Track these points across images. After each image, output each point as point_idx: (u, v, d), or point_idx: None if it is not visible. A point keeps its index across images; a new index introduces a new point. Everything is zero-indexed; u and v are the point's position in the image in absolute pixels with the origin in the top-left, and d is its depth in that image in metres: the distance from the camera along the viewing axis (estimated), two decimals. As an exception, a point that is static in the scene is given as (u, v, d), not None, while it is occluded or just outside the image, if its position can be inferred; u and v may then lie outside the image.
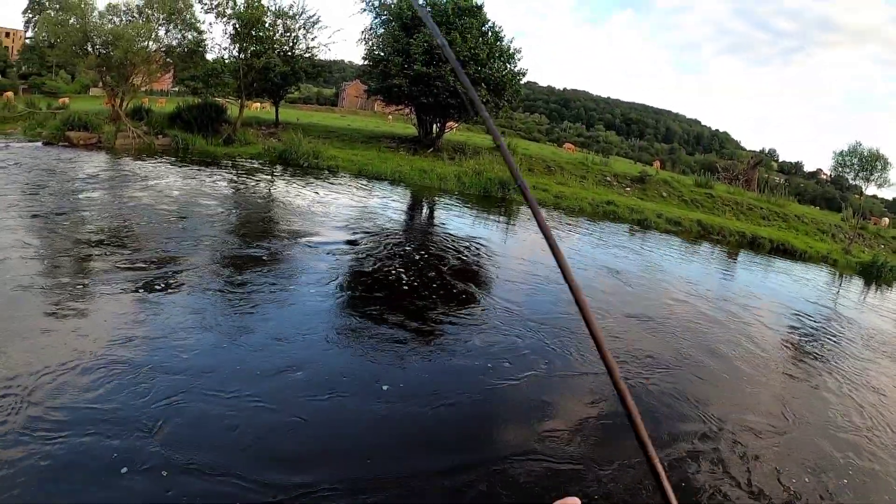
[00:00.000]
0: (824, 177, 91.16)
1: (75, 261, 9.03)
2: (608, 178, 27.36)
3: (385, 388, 5.81)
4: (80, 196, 14.63)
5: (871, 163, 25.87)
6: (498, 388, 6.21)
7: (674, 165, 48.56)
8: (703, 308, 10.88)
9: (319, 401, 5.48)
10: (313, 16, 29.52)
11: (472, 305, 8.82)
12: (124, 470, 4.18)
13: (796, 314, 12.38)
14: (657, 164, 45.49)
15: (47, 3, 32.20)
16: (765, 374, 8.15)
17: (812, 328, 11.65)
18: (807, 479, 5.50)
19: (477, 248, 12.71)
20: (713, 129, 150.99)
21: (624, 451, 5.29)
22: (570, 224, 18.12)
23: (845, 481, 5.60)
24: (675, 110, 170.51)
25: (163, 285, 8.03)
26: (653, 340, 8.43)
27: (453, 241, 13.13)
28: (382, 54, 27.60)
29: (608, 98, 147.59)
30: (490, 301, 9.09)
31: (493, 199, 20.25)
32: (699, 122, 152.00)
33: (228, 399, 5.24)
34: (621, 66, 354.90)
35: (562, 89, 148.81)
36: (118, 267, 8.70)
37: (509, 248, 13.36)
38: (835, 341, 11.06)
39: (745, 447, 5.87)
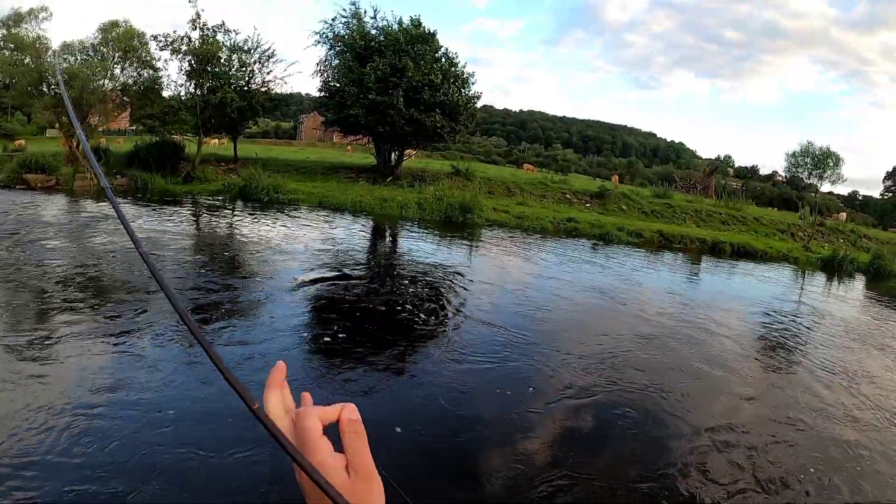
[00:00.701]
0: (780, 178, 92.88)
1: (35, 310, 9.00)
2: (568, 196, 27.80)
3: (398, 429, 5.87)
4: (39, 241, 14.48)
5: (823, 161, 26.70)
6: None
7: (632, 178, 49.54)
8: (682, 316, 11.09)
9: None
10: (268, 49, 29.66)
11: (445, 329, 8.91)
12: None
13: (771, 312, 12.72)
14: (615, 178, 46.28)
15: (1, 44, 31.72)
16: (760, 372, 8.43)
17: (790, 323, 11.99)
18: (815, 477, 5.59)
19: (444, 272, 12.80)
20: (669, 140, 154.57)
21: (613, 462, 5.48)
22: (534, 243, 18.34)
23: (849, 476, 5.70)
24: (630, 125, 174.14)
25: (122, 336, 7.90)
26: (654, 352, 8.66)
27: (419, 267, 13.23)
28: (338, 85, 27.89)
29: (564, 117, 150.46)
30: (464, 321, 9.22)
31: (455, 224, 20.42)
32: (655, 135, 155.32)
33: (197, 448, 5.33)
34: (576, 85, 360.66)
35: (518, 111, 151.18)
36: (79, 315, 8.65)
37: (475, 269, 13.50)
38: (816, 333, 11.49)
39: (755, 444, 6.01)
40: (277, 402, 0.75)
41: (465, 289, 11.54)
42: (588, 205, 26.93)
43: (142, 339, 7.68)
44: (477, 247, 17.24)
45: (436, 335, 8.69)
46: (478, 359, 7.63)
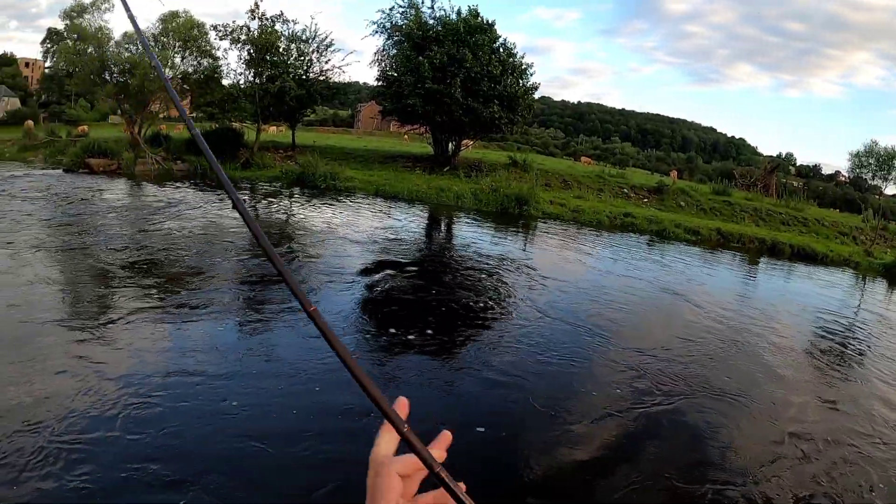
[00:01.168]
0: (843, 179, 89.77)
1: (96, 289, 9.15)
2: (625, 190, 27.23)
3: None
4: (102, 223, 14.83)
5: (888, 161, 25.50)
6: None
7: (691, 174, 48.27)
8: (743, 319, 10.68)
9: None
10: (326, 39, 29.81)
11: (506, 323, 8.76)
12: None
13: (834, 318, 12.20)
14: (674, 173, 45.22)
15: (65, 34, 32.76)
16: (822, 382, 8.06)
17: (855, 331, 11.54)
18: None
19: (501, 264, 12.66)
20: (729, 136, 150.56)
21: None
22: (590, 238, 18.03)
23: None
24: (690, 119, 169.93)
25: (184, 313, 8.10)
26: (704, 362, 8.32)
27: (476, 258, 13.13)
28: (395, 74, 27.81)
29: (623, 110, 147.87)
30: (525, 314, 9.04)
31: (511, 216, 20.20)
32: (715, 130, 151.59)
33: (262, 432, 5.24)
34: (634, 77, 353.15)
35: (576, 103, 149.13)
36: (140, 294, 8.81)
37: (533, 262, 13.23)
38: (884, 342, 10.98)
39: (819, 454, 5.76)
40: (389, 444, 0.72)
41: (524, 282, 11.40)
42: (646, 200, 26.30)
43: (209, 324, 7.74)
44: (533, 239, 17.05)
45: (498, 329, 8.58)
46: (549, 355, 7.49)
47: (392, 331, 7.95)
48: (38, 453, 4.54)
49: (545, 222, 19.75)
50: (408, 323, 8.27)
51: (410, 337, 7.71)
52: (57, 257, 11.15)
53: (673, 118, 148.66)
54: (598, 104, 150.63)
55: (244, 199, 14.91)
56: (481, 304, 9.43)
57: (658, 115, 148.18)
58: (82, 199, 18.52)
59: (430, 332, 7.97)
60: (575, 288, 11.34)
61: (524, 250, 15.26)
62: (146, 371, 6.09)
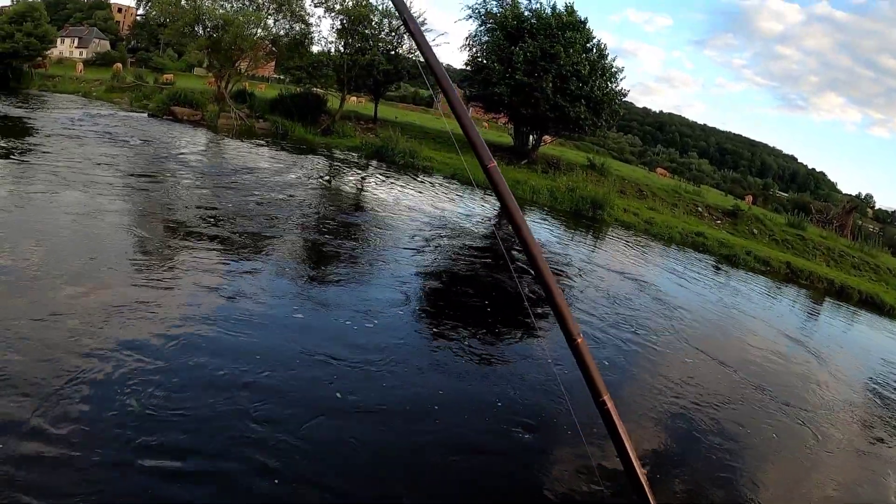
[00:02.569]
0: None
1: (168, 234, 9.49)
2: (699, 209, 26.61)
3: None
4: (183, 169, 15.27)
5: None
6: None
7: (766, 202, 46.64)
8: (804, 361, 10.41)
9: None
10: (419, 17, 29.88)
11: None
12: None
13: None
14: (749, 198, 44.00)
15: None
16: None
17: None
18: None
19: (569, 266, 12.61)
20: (809, 167, 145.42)
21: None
22: (661, 252, 17.72)
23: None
24: (771, 144, 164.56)
25: (244, 268, 8.34)
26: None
27: (546, 256, 12.92)
28: (485, 62, 27.73)
29: (704, 125, 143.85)
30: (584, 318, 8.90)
31: (585, 218, 19.97)
32: (795, 159, 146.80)
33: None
34: (719, 93, 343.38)
35: (657, 111, 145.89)
36: (205, 244, 9.10)
37: (598, 267, 13.04)
38: None
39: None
40: None
41: (590, 285, 11.32)
42: (719, 222, 25.65)
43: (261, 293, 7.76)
44: (605, 246, 16.72)
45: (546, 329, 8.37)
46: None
47: (445, 319, 7.98)
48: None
49: (618, 229, 19.46)
50: (464, 313, 8.30)
51: (462, 331, 7.63)
52: (134, 200, 11.52)
53: (754, 141, 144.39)
54: (680, 116, 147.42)
55: (323, 164, 15.15)
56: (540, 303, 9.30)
57: (739, 135, 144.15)
58: (165, 144, 19.06)
59: (480, 326, 7.95)
60: (639, 302, 11.12)
61: (595, 254, 15.09)
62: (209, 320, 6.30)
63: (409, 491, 4.34)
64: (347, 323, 6.87)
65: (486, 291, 9.41)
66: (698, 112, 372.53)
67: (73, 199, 10.48)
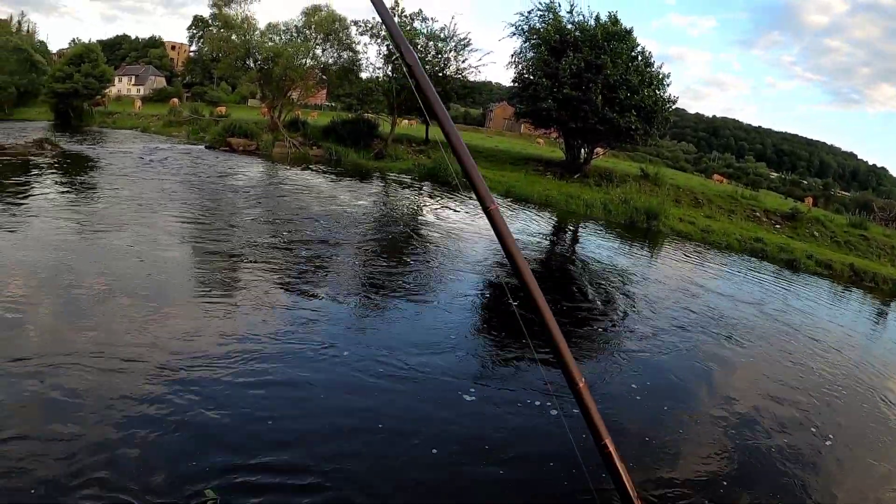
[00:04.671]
0: None
1: (229, 256, 10.01)
2: (757, 214, 26.04)
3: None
4: (241, 197, 15.82)
5: None
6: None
7: (827, 203, 45.28)
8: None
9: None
10: (464, 39, 30.29)
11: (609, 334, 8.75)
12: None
13: None
14: (809, 200, 42.77)
15: (211, 21, 35.10)
16: None
17: None
18: None
19: (627, 278, 12.56)
20: (870, 163, 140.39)
21: None
22: (719, 260, 17.38)
23: None
24: (829, 142, 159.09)
25: (304, 288, 8.78)
26: None
27: (602, 269, 13.13)
28: (531, 77, 27.83)
29: (759, 127, 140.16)
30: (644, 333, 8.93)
31: (639, 229, 19.78)
32: (855, 156, 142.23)
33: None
34: (771, 93, 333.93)
35: (710, 116, 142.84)
36: (268, 264, 9.62)
37: (652, 278, 12.97)
38: None
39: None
40: None
41: (644, 296, 11.23)
42: (778, 226, 25.02)
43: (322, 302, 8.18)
44: (661, 257, 16.62)
45: (603, 340, 8.59)
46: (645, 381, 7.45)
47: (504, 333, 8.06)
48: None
49: (674, 240, 19.20)
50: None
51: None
52: (197, 226, 12.11)
53: (811, 140, 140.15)
54: (734, 119, 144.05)
55: (377, 188, 15.49)
56: (599, 318, 9.49)
57: (795, 135, 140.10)
58: (223, 175, 19.76)
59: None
60: (696, 311, 10.96)
61: (649, 265, 15.01)
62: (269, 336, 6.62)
63: None
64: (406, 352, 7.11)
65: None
66: (751, 114, 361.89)
67: (137, 229, 11.14)
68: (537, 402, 6.05)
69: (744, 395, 7.29)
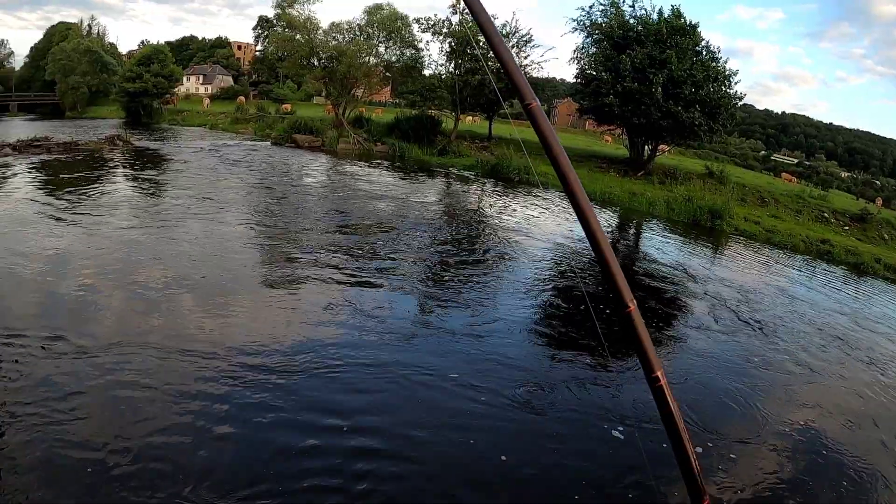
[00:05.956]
0: None
1: (296, 250, 10.42)
2: (825, 215, 25.34)
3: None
4: (308, 191, 16.38)
5: None
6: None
7: (901, 203, 43.51)
8: None
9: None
10: (526, 35, 30.35)
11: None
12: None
13: None
14: (879, 201, 41.18)
15: (275, 21, 36.11)
16: None
17: None
18: None
19: (688, 279, 12.47)
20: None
21: None
22: (784, 263, 16.94)
23: None
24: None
25: (371, 280, 9.14)
26: None
27: (662, 269, 13.06)
28: (594, 73, 27.71)
29: (830, 124, 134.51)
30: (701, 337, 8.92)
31: (702, 228, 19.45)
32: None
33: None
34: (842, 88, 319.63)
35: (780, 113, 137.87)
36: (335, 256, 9.98)
37: (723, 280, 12.80)
38: None
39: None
40: None
41: (705, 297, 11.15)
42: (846, 227, 24.29)
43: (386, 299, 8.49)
44: (722, 256, 16.36)
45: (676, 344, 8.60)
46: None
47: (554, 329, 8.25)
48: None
49: (738, 240, 18.75)
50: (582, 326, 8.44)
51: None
52: (264, 220, 12.68)
53: (884, 137, 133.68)
54: (804, 116, 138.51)
55: (440, 184, 15.77)
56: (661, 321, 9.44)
57: (868, 132, 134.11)
58: (290, 169, 20.41)
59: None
60: (761, 313, 10.78)
61: (712, 266, 14.77)
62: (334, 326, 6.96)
63: None
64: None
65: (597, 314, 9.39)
66: (822, 111, 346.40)
67: (205, 223, 11.71)
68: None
69: (820, 408, 7.10)
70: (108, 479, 4.28)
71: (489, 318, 8.30)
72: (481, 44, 29.40)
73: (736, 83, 26.84)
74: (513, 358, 7.07)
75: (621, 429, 5.69)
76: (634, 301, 1.87)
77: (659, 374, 1.85)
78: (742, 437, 6.01)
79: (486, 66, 28.61)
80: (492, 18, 2.09)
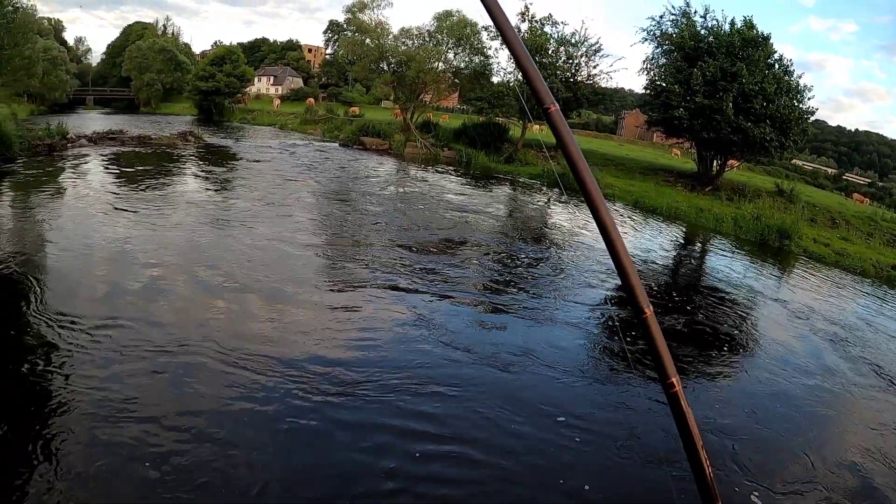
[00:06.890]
0: None
1: (361, 253, 10.82)
2: (898, 238, 24.51)
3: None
4: (375, 194, 16.82)
5: None
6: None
7: (980, 227, 41.55)
8: None
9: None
10: (595, 44, 30.39)
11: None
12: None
13: None
14: (951, 225, 39.46)
15: (345, 26, 36.98)
16: None
17: None
18: None
19: (750, 299, 12.34)
20: None
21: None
22: (853, 289, 16.39)
23: None
24: None
25: (430, 288, 9.28)
26: None
27: (726, 287, 12.93)
28: (663, 84, 27.45)
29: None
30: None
31: (770, 248, 19.11)
32: None
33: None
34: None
35: (853, 130, 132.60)
36: (396, 258, 10.34)
37: (781, 304, 12.58)
38: None
39: None
40: None
41: (772, 323, 11.04)
42: (920, 254, 23.36)
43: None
44: (789, 279, 16.07)
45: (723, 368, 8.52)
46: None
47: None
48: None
49: (806, 262, 18.19)
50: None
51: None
52: (330, 221, 13.10)
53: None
54: (878, 134, 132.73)
55: (506, 192, 15.97)
56: (718, 349, 9.30)
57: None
58: (357, 172, 20.98)
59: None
60: (822, 341, 10.52)
61: (778, 288, 14.58)
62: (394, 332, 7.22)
63: None
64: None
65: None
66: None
67: (273, 222, 12.17)
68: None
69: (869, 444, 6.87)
70: (170, 470, 4.55)
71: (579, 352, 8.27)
72: (549, 52, 29.67)
73: (810, 98, 26.31)
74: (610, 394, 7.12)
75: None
76: (651, 307, 1.93)
77: (674, 380, 1.91)
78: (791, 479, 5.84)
79: (554, 74, 28.87)
80: (510, 21, 2.17)
